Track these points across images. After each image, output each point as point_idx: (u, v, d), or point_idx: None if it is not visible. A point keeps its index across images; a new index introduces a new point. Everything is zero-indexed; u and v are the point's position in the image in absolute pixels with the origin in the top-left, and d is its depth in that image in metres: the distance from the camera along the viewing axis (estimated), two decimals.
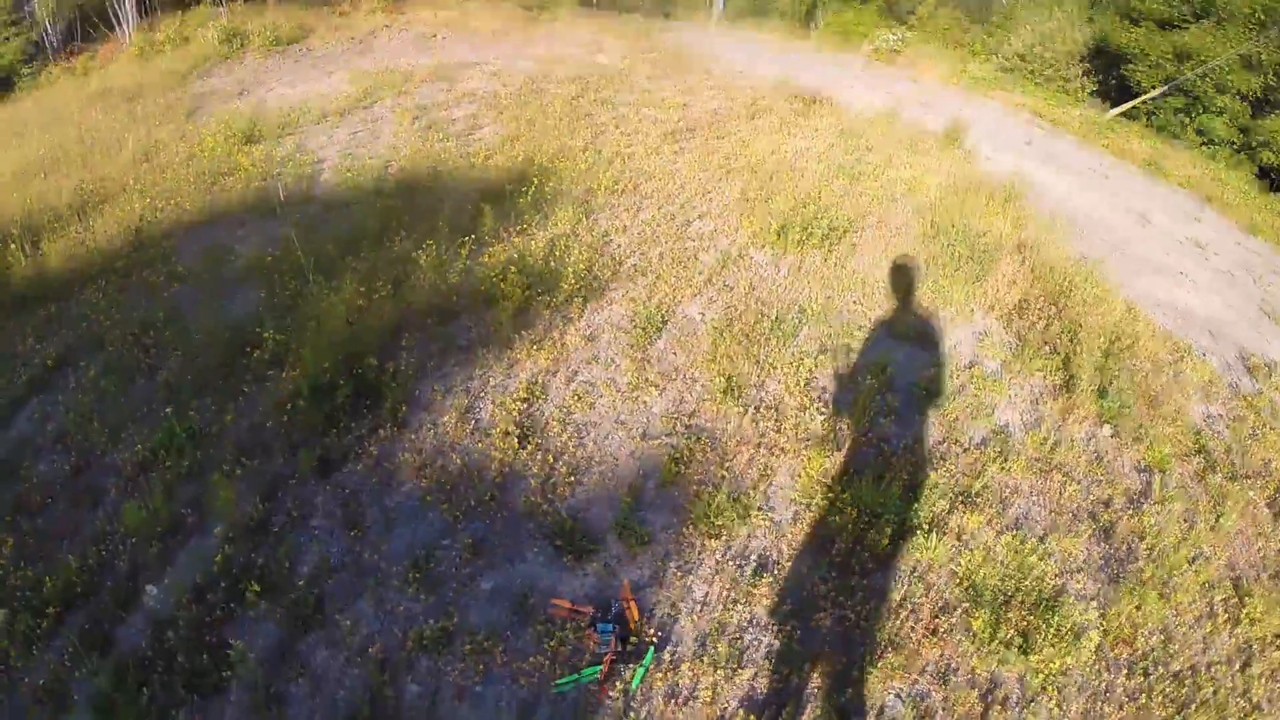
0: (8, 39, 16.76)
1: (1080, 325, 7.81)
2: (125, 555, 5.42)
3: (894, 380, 6.78)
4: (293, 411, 6.25)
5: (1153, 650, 5.31)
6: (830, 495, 5.59)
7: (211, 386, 6.69)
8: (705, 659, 4.75)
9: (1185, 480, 6.76)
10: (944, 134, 12.77)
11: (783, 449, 6.04)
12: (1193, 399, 7.74)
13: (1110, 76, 20.24)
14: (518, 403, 6.28)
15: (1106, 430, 6.85)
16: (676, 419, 6.23)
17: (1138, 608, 5.49)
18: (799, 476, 5.80)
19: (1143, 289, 9.54)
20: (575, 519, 5.41)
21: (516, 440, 5.94)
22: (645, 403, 6.39)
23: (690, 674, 4.69)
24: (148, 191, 10.20)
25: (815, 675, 4.73)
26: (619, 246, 8.28)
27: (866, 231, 8.68)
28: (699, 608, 5.02)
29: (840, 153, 10.95)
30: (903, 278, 7.94)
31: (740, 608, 5.02)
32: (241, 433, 6.30)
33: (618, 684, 4.64)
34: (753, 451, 5.99)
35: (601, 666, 4.62)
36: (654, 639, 4.81)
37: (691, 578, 5.16)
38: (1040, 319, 7.71)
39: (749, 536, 5.44)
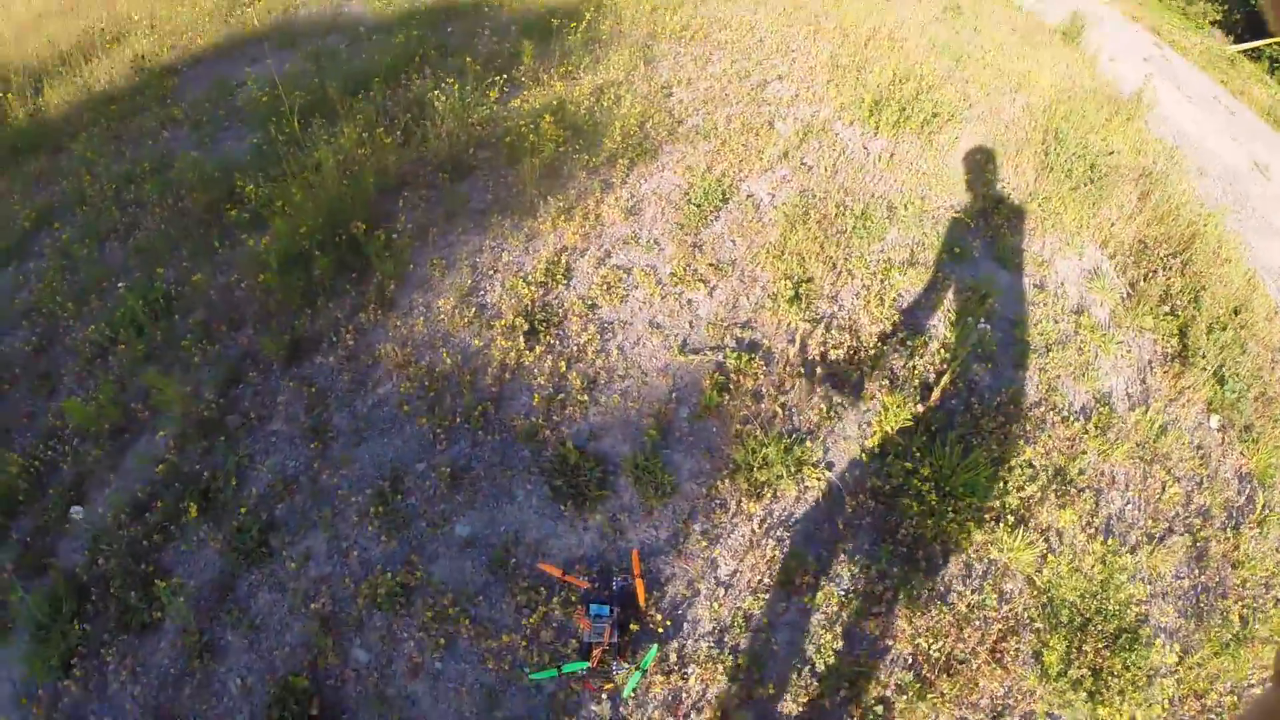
0: None
1: (1204, 287, 5.57)
2: (69, 457, 4.26)
3: (994, 315, 4.83)
4: (265, 286, 4.79)
5: (1222, 711, 3.66)
6: (906, 462, 3.89)
7: (186, 249, 5.27)
8: (720, 663, 3.30)
9: None
10: (1062, 29, 9.79)
11: (852, 388, 4.30)
12: None
13: (1237, 9, 15.99)
14: (532, 287, 4.65)
15: (1214, 421, 4.85)
16: (727, 328, 4.51)
17: (1216, 655, 3.81)
18: (871, 428, 4.08)
19: (1263, 256, 6.97)
20: (583, 451, 3.89)
21: (523, 337, 4.34)
22: (690, 301, 4.67)
23: (699, 681, 3.27)
24: (160, 28, 8.58)
25: (851, 697, 3.25)
26: (680, 102, 6.26)
27: (971, 124, 6.38)
28: (722, 591, 3.52)
29: (946, 30, 8.32)
30: (1010, 187, 5.75)
31: (775, 595, 3.50)
32: (211, 307, 4.91)
33: (607, 684, 3.24)
34: (817, 388, 4.26)
35: (589, 661, 3.22)
36: (661, 627, 3.36)
37: (719, 549, 3.66)
38: (1160, 268, 5.49)
39: (798, 501, 3.84)
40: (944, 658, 3.41)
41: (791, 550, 3.63)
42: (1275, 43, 15.17)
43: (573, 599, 3.45)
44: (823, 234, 4.97)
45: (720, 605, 3.47)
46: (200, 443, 4.20)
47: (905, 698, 3.30)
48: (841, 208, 5.22)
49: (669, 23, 7.29)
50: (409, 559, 3.66)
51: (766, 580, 3.55)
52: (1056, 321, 4.88)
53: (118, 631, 3.61)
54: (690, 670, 3.30)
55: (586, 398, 4.13)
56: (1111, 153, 6.54)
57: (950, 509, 3.76)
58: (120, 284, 5.11)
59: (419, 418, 4.13)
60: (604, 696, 3.26)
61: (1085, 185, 5.86)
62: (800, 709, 3.21)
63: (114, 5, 9.37)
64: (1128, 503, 4.22)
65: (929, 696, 3.30)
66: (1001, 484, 3.93)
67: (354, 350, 4.49)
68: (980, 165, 5.79)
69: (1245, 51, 15.24)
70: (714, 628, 3.43)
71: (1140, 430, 4.44)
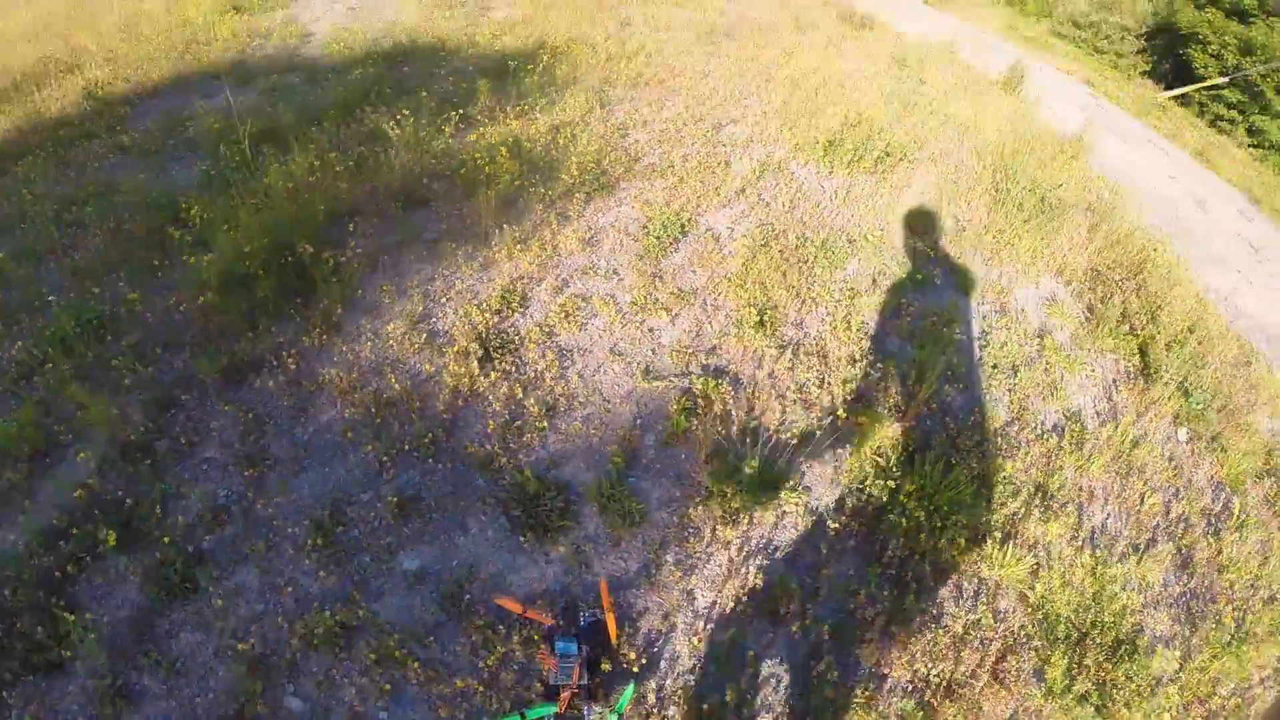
0: None
1: (1159, 306, 5.78)
2: None
3: (959, 339, 4.84)
4: (205, 308, 4.48)
5: (1228, 713, 3.60)
6: (889, 480, 3.77)
7: (124, 271, 4.93)
8: (704, 701, 3.03)
9: (1258, 504, 4.87)
10: (1003, 80, 10.35)
11: (827, 409, 4.18)
12: (1263, 411, 5.69)
13: (1167, 59, 17.44)
14: (486, 314, 4.45)
15: (1183, 433, 4.96)
16: (691, 354, 4.38)
17: (1215, 658, 3.78)
18: (848, 449, 3.96)
19: (1208, 280, 7.35)
20: (542, 479, 3.64)
21: (477, 362, 4.12)
22: (652, 329, 4.54)
23: None
24: (116, 60, 8.34)
25: None
26: (636, 142, 6.26)
27: (923, 164, 6.56)
28: (701, 623, 3.28)
29: (893, 80, 8.67)
30: (964, 220, 5.88)
31: (758, 626, 3.27)
32: (147, 329, 4.56)
33: None
34: (788, 409, 4.14)
35: (557, 704, 2.90)
36: (637, 665, 3.08)
37: (695, 579, 3.42)
38: (1116, 291, 5.67)
39: (776, 526, 3.65)
40: (944, 681, 3.22)
41: (773, 578, 3.41)
42: (1201, 88, 16.32)
43: (535, 637, 3.15)
44: (784, 263, 4.93)
45: (700, 639, 3.22)
46: (125, 468, 3.81)
47: None
48: (801, 239, 5.20)
49: (623, 70, 7.37)
50: (350, 596, 3.32)
51: (749, 610, 3.32)
52: (1021, 344, 4.91)
53: (23, 672, 3.16)
54: (671, 712, 3.02)
55: (545, 424, 3.91)
56: (1060, 185, 6.79)
57: (938, 526, 3.63)
58: (52, 300, 4.73)
59: (364, 445, 3.83)
60: None
61: (1037, 217, 6.03)
62: None
63: (72, 37, 9.09)
64: (1109, 515, 4.18)
65: None
66: (984, 501, 3.83)
67: (296, 375, 4.19)
68: (934, 201, 5.89)
69: (1175, 98, 16.34)
70: (694, 663, 3.16)
71: (1113, 445, 4.43)
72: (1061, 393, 4.66)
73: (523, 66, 7.12)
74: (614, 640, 3.08)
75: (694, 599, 3.35)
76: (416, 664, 3.11)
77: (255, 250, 4.60)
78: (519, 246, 4.91)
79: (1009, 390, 4.58)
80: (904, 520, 3.60)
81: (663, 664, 3.16)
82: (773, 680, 3.16)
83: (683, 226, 5.24)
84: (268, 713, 3.03)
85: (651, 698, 3.03)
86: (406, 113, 6.00)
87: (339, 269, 4.69)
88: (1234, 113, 16.09)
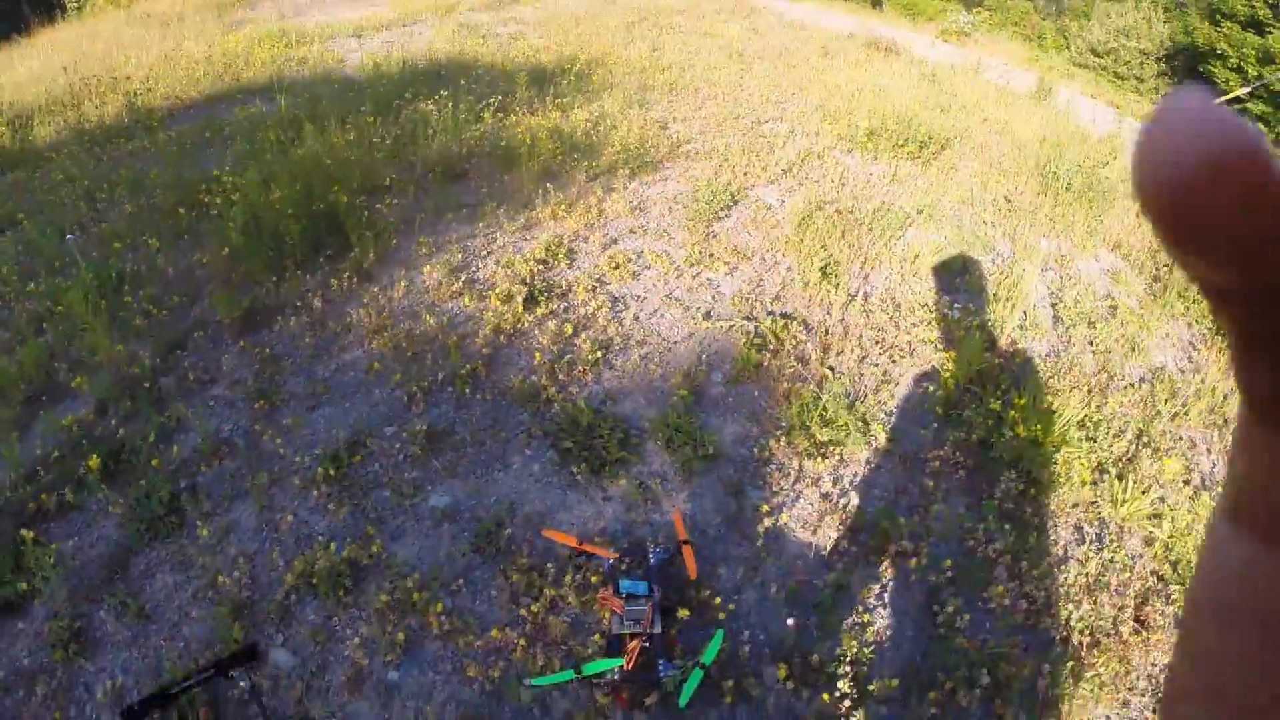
0: None
1: None
2: None
3: (1029, 294, 4.30)
4: (229, 257, 4.03)
5: None
6: (984, 413, 3.15)
7: (151, 231, 4.52)
8: (809, 653, 2.33)
9: None
10: (1033, 92, 10.21)
11: (906, 350, 3.60)
12: None
13: (1187, 77, 17.60)
14: (530, 263, 3.94)
15: None
16: (755, 301, 3.83)
17: None
18: (938, 382, 3.36)
19: None
20: (598, 411, 3.03)
21: (521, 304, 3.59)
22: (710, 280, 4.01)
23: (780, 692, 2.26)
24: (157, 81, 8.34)
25: (994, 685, 2.29)
26: (677, 132, 5.93)
27: (965, 153, 6.19)
28: (798, 565, 2.59)
29: (925, 93, 8.48)
30: (1017, 200, 5.45)
31: (864, 569, 2.60)
32: (167, 282, 4.11)
33: (648, 691, 2.23)
34: (866, 348, 3.56)
35: (622, 658, 2.22)
36: (722, 612, 2.40)
37: (784, 516, 2.73)
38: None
39: (869, 463, 3.00)
40: (1087, 628, 2.50)
41: (875, 516, 2.75)
42: (1224, 100, 16.15)
43: (593, 579, 2.48)
44: (843, 223, 4.44)
45: (796, 584, 2.53)
46: (125, 405, 3.26)
47: (1061, 681, 2.35)
48: (856, 205, 4.74)
49: (658, 80, 7.15)
50: (364, 533, 2.68)
51: (853, 550, 2.64)
52: (1093, 303, 4.34)
53: None
54: (767, 670, 2.30)
55: (600, 355, 3.33)
56: (1106, 164, 6.39)
57: (1050, 459, 2.99)
58: (74, 259, 4.33)
59: (391, 377, 3.27)
60: (647, 707, 2.22)
61: (1086, 194, 5.59)
62: (934, 711, 2.22)
63: (112, 64, 9.15)
64: (1215, 464, 3.48)
65: (1089, 676, 2.36)
66: (1090, 439, 3.18)
67: (322, 316, 3.68)
68: (983, 184, 5.44)
69: None
70: (790, 611, 2.46)
71: (1204, 397, 3.78)
72: (1142, 349, 4.08)
73: (559, 70, 6.94)
74: (693, 576, 2.42)
75: (784, 540, 2.67)
76: (439, 611, 2.44)
77: (285, 197, 4.19)
78: (563, 208, 4.47)
79: (1089, 343, 4.00)
80: (1003, 444, 2.96)
81: (751, 614, 2.46)
82: (888, 629, 2.46)
83: (733, 196, 4.80)
84: (249, 666, 2.36)
85: (744, 651, 2.32)
86: (446, 94, 5.74)
87: (373, 221, 4.25)
88: (1259, 125, 15.94)
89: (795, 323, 3.62)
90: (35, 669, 2.37)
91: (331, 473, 2.85)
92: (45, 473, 2.99)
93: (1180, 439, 3.63)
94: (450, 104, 5.73)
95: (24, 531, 2.64)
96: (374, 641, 2.42)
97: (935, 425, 3.19)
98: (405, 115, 5.92)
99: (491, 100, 5.82)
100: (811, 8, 16.12)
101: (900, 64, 10.15)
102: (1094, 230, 5.22)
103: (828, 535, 2.68)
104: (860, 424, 3.08)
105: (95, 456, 2.90)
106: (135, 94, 7.72)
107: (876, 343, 3.62)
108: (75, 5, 15.84)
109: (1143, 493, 3.05)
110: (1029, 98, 9.66)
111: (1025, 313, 4.05)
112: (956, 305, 3.98)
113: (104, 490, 2.88)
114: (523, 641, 2.39)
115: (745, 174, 5.17)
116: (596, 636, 2.37)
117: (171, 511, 2.79)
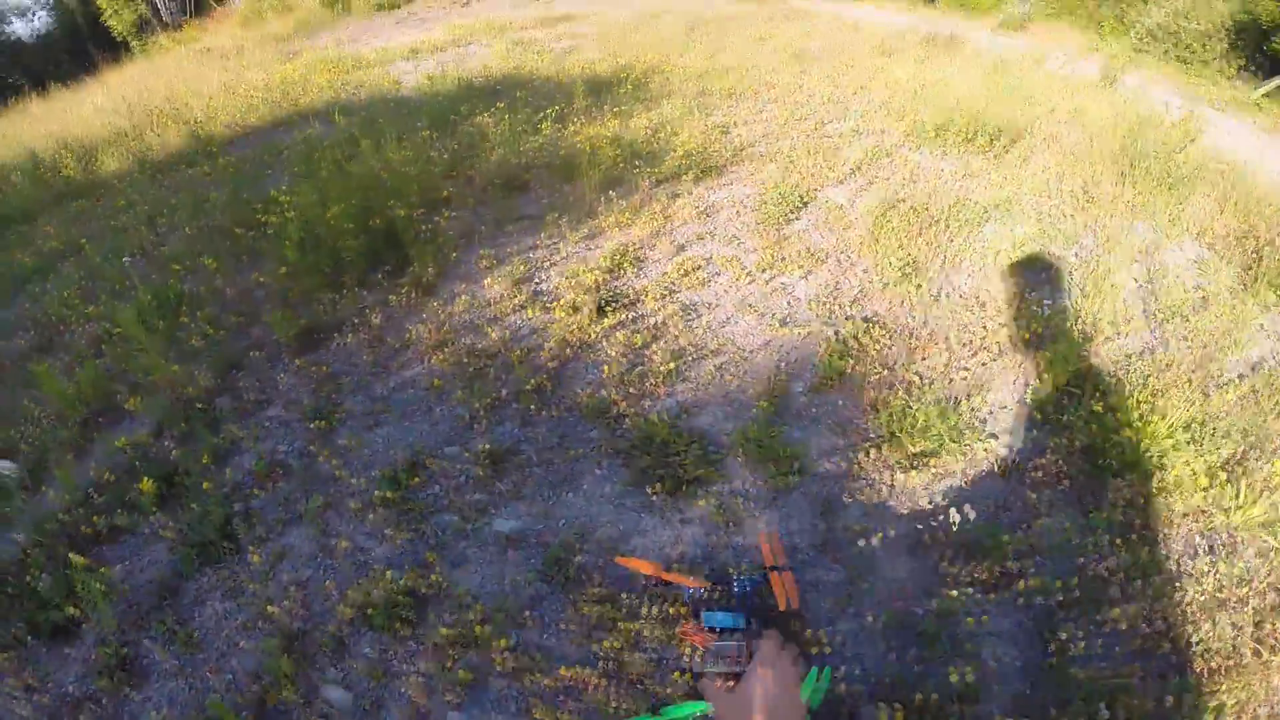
0: (117, 11, 16.80)
1: None
2: (36, 436, 3.33)
3: (1119, 288, 3.90)
4: (287, 276, 3.99)
5: None
6: (1086, 417, 2.80)
7: (209, 253, 4.56)
8: (915, 690, 2.03)
9: None
10: (1099, 78, 9.66)
11: (996, 351, 3.27)
12: None
13: (1256, 56, 16.55)
14: (596, 272, 3.77)
15: None
16: (833, 305, 3.56)
17: None
18: (1035, 386, 3.02)
19: None
20: (673, 426, 2.80)
21: (588, 315, 3.41)
22: (785, 284, 3.76)
23: None
24: (218, 110, 8.61)
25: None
26: (739, 137, 5.71)
27: (1036, 145, 5.79)
28: (894, 591, 2.29)
29: (990, 86, 8.09)
30: (1096, 190, 5.01)
31: (968, 593, 2.28)
32: (225, 303, 4.11)
33: None
34: (955, 351, 3.24)
35: (710, 702, 1.96)
36: (827, 647, 2.13)
37: (879, 537, 2.44)
38: (1267, 244, 4.62)
39: (967, 475, 2.69)
40: (1208, 652, 2.13)
41: (977, 534, 2.43)
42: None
43: (673, 610, 2.24)
44: (919, 221, 4.14)
45: (896, 612, 2.23)
46: (180, 426, 3.19)
47: (1187, 714, 1.99)
48: (930, 202, 4.43)
49: (716, 85, 6.97)
50: (424, 560, 2.51)
51: (956, 572, 2.33)
52: (1185, 294, 3.91)
53: (27, 634, 2.47)
54: (864, 710, 2.02)
55: (672, 366, 3.11)
56: (1184, 148, 5.91)
57: (1158, 466, 2.64)
58: (134, 283, 4.40)
59: (453, 395, 3.12)
60: None
61: (1166, 180, 5.15)
62: None
63: (174, 97, 9.54)
64: None
65: (1211, 707, 2.00)
66: (1196, 441, 2.79)
67: (380, 332, 3.57)
68: (1058, 175, 5.04)
69: (1267, 94, 15.29)
70: (892, 644, 2.17)
71: None
72: (1239, 341, 3.63)
73: (616, 79, 6.83)
74: (788, 607, 2.15)
75: (880, 562, 2.38)
76: (505, 645, 2.24)
77: (341, 213, 4.13)
78: (628, 215, 4.30)
79: (1184, 337, 3.58)
80: (1121, 460, 2.61)
81: (848, 645, 2.17)
82: (1000, 659, 2.13)
83: (801, 198, 4.55)
84: (299, 702, 2.19)
85: (840, 689, 2.04)
86: (502, 106, 5.68)
87: (433, 235, 4.16)
88: None
89: (877, 326, 3.33)
90: (81, 697, 2.25)
91: (390, 495, 2.70)
92: (99, 495, 2.94)
93: None
94: (507, 116, 5.67)
95: (75, 556, 2.56)
96: (434, 678, 2.23)
97: (1035, 432, 2.86)
98: (462, 130, 5.89)
99: (549, 111, 5.73)
100: (867, 8, 15.88)
101: (961, 57, 9.77)
102: (1176, 218, 4.79)
103: (928, 556, 2.38)
104: (955, 433, 2.77)
105: (148, 479, 2.82)
106: (197, 123, 7.97)
107: (964, 344, 3.30)
108: (140, 45, 16.84)
109: (1256, 498, 2.66)
110: (1095, 86, 9.17)
111: (1116, 307, 3.69)
112: (1046, 302, 3.63)
113: (156, 513, 2.79)
114: (597, 680, 2.15)
115: (813, 175, 4.91)
116: (678, 675, 2.13)
117: (224, 536, 2.67)
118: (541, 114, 5.74)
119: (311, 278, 3.98)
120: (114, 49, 17.03)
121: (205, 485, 2.80)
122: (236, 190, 5.49)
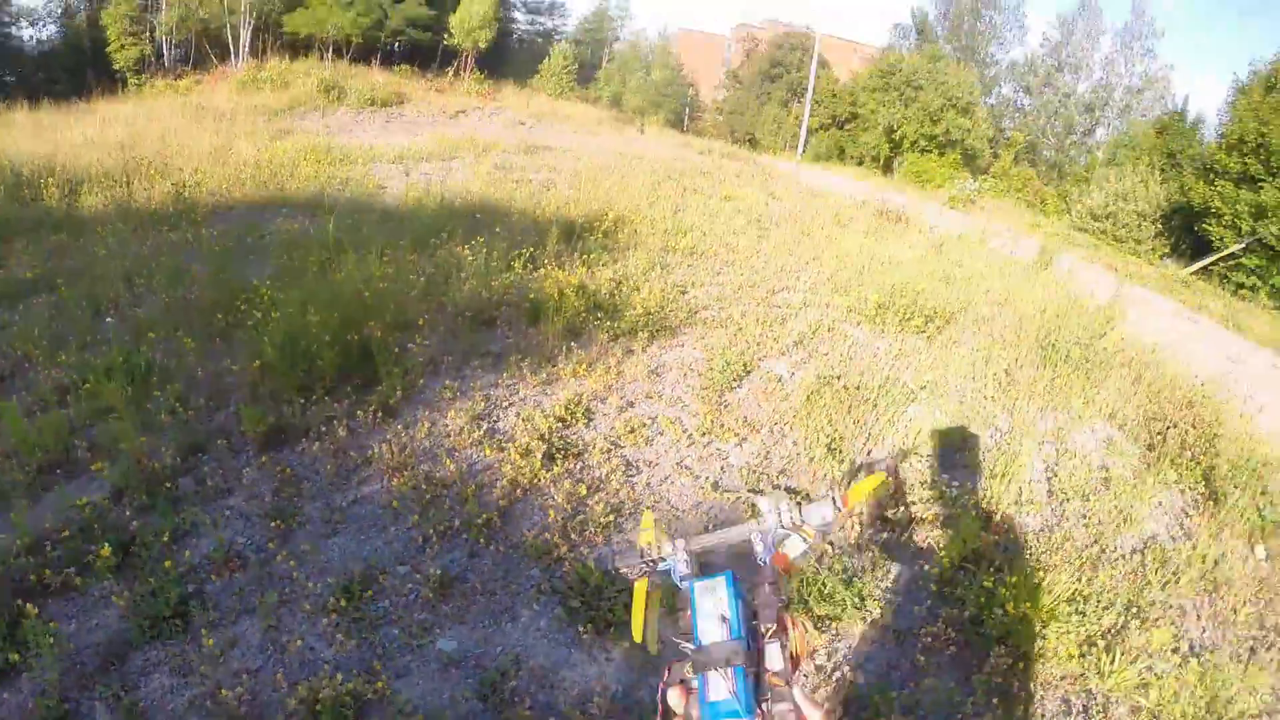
0: (123, 47, 17.36)
1: (1216, 436, 5.71)
2: None
3: (1025, 470, 4.71)
4: (259, 371, 4.38)
5: None
6: (977, 590, 3.44)
7: (184, 328, 4.91)
8: None
9: None
10: (1034, 261, 11.24)
11: (904, 527, 3.94)
12: None
13: (1184, 237, 18.97)
14: (550, 419, 4.31)
15: (1261, 551, 4.68)
16: (761, 474, 4.19)
17: None
18: (934, 560, 3.67)
19: (1256, 420, 7.33)
20: (607, 573, 3.28)
21: (539, 460, 3.91)
22: (719, 450, 4.38)
23: None
24: (204, 176, 9.07)
25: None
26: (695, 298, 6.54)
27: (970, 326, 6.86)
28: None
29: (931, 263, 9.38)
30: (1015, 372, 6.01)
31: None
32: (195, 383, 4.44)
33: None
34: (865, 526, 3.89)
35: None
36: None
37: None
38: (1171, 427, 5.64)
39: (864, 638, 3.26)
40: None
41: (869, 689, 2.95)
42: (1221, 258, 17.12)
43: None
44: (849, 398, 4.89)
45: None
46: (141, 497, 3.46)
47: None
48: (862, 381, 5.22)
49: (680, 242, 7.89)
50: (371, 667, 2.83)
51: None
52: (1087, 476, 4.73)
53: None
54: None
55: (611, 519, 3.61)
56: (1103, 335, 6.92)
57: (1037, 635, 3.24)
58: (106, 337, 4.70)
59: (409, 516, 3.51)
60: None
61: (1083, 366, 6.13)
62: None
63: (164, 150, 9.91)
64: (1204, 629, 3.72)
65: None
66: (1079, 613, 3.43)
67: (344, 444, 3.96)
68: (984, 357, 5.95)
69: (1196, 272, 17.14)
70: None
71: (1195, 564, 4.09)
72: (1134, 519, 4.44)
73: (588, 225, 7.65)
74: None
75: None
76: None
77: (322, 322, 4.58)
78: (584, 366, 4.90)
79: (1082, 517, 4.35)
80: (1003, 629, 3.23)
81: None
82: None
83: (745, 366, 5.27)
84: None
85: None
86: (480, 240, 6.34)
87: (403, 359, 4.64)
88: (1254, 279, 16.82)
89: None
90: None
91: (343, 603, 3.02)
92: (52, 548, 3.15)
93: (1170, 607, 3.90)
94: (484, 250, 6.33)
95: (25, 604, 2.76)
96: None
97: (930, 601, 3.47)
98: (440, 255, 6.51)
99: (523, 251, 6.42)
100: (827, 172, 17.87)
101: (909, 233, 11.22)
102: (1091, 400, 5.73)
103: (824, 709, 2.87)
104: (857, 599, 3.35)
105: (107, 545, 3.06)
106: (184, 185, 8.38)
107: (876, 520, 3.96)
108: (136, 83, 17.33)
109: (1130, 663, 3.29)
110: (1031, 266, 10.64)
111: (1021, 489, 4.44)
112: (954, 483, 4.34)
113: (110, 579, 3.03)
114: None
115: (759, 344, 5.68)
116: None
117: (177, 615, 2.93)
118: (516, 252, 6.42)
119: (285, 379, 4.37)
120: (111, 79, 17.40)
121: (166, 564, 3.06)
122: (219, 271, 5.86)
